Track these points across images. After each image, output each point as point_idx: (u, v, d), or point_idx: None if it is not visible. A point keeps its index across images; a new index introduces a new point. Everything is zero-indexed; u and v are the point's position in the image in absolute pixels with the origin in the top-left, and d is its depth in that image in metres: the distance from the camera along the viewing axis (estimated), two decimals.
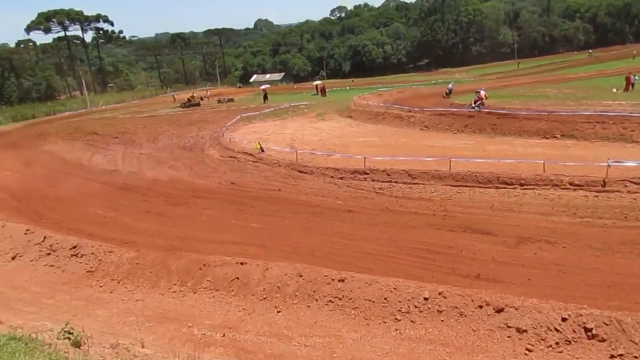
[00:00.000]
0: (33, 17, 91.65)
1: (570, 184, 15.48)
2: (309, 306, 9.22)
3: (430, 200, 16.60)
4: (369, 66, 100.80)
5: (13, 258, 12.74)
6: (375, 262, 11.36)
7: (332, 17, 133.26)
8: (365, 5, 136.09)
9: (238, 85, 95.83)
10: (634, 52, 62.19)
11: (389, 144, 23.95)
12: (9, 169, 26.39)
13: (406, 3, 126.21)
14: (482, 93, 28.28)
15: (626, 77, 31.95)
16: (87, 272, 11.52)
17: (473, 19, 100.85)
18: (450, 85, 38.75)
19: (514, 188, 16.17)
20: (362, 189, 18.32)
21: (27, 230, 13.65)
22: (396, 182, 18.29)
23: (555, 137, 21.80)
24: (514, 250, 11.84)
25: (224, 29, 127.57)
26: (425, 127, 27.31)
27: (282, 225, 14.81)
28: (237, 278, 10.14)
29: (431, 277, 10.20)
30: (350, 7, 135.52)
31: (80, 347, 6.50)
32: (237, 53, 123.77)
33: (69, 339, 6.61)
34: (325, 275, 9.63)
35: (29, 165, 27.38)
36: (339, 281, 9.41)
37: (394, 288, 8.94)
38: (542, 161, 16.54)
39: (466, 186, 16.96)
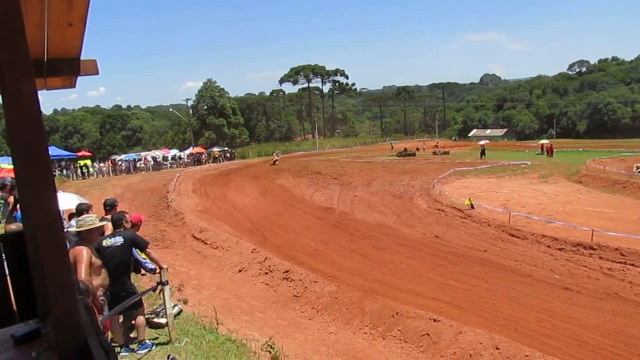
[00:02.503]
0: (286, 71, 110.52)
1: None
2: None
3: None
4: (611, 126, 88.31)
5: (240, 271, 14.93)
6: (593, 355, 9.60)
7: (570, 72, 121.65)
8: (614, 58, 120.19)
9: (453, 138, 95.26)
10: None
11: (628, 218, 20.33)
12: (249, 196, 31.40)
13: None
14: None
15: None
16: (294, 296, 12.69)
17: None
18: None
19: None
20: (585, 266, 15.83)
21: (254, 249, 15.93)
22: (632, 264, 15.25)
23: None
24: None
25: (448, 83, 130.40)
26: None
27: (483, 289, 13.82)
28: (428, 334, 9.81)
29: None
30: (593, 61, 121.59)
31: None
32: (458, 107, 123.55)
33: (269, 352, 7.43)
34: (527, 355, 8.54)
35: (264, 194, 32.04)
36: None
37: None
38: None
39: None
